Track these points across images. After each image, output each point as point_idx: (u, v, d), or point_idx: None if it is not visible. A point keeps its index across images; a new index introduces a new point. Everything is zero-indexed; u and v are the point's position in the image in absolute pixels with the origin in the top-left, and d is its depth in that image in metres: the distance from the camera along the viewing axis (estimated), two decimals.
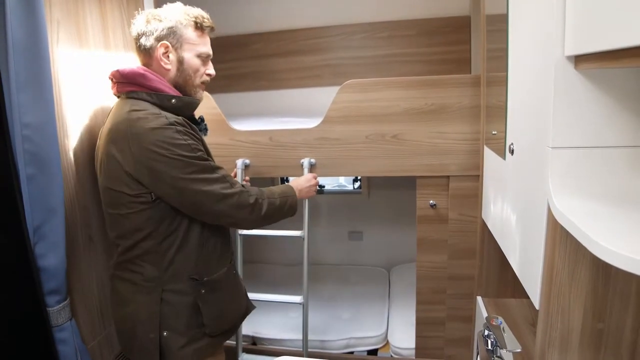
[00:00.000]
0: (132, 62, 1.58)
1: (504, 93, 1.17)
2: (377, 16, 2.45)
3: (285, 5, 2.48)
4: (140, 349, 1.19)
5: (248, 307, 1.43)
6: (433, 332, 1.89)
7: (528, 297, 0.97)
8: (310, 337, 1.93)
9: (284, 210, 1.33)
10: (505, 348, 0.92)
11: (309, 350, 1.89)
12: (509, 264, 1.16)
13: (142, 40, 1.18)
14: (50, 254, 1.20)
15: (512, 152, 1.12)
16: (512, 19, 1.10)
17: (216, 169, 1.18)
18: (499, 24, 1.22)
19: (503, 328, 0.96)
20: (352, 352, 2.14)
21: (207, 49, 1.24)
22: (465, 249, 1.76)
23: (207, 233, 1.24)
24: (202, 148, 1.18)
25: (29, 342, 1.21)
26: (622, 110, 0.77)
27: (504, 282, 1.54)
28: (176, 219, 1.17)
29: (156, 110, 1.13)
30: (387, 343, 2.14)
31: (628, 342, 0.82)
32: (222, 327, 1.29)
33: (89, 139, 1.40)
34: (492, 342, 0.99)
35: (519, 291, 1.39)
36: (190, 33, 1.20)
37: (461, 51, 2.33)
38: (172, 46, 1.19)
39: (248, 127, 1.87)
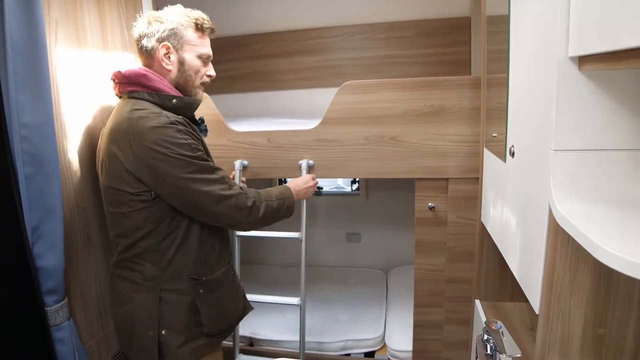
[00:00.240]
0: (130, 63, 1.59)
1: (504, 95, 1.16)
2: (377, 17, 2.43)
3: (284, 6, 2.47)
4: (139, 347, 1.20)
5: (246, 308, 1.44)
6: (431, 335, 1.88)
7: (527, 301, 0.96)
8: (307, 338, 1.93)
9: (282, 212, 1.34)
10: (505, 353, 0.92)
11: (306, 352, 1.88)
12: (507, 267, 1.16)
13: (144, 42, 1.20)
14: (48, 254, 1.20)
15: (512, 154, 1.11)
16: (513, 19, 1.10)
17: (215, 169, 1.18)
18: (500, 25, 1.22)
19: (502, 332, 0.96)
20: (349, 354, 2.14)
21: (207, 50, 1.26)
22: (464, 251, 1.76)
23: (206, 233, 1.24)
24: (202, 148, 1.19)
25: (27, 341, 1.21)
26: (625, 112, 0.76)
27: (502, 285, 1.54)
28: (176, 219, 1.18)
29: (157, 109, 1.14)
30: (385, 345, 2.14)
31: (630, 348, 0.81)
32: (220, 326, 1.30)
33: (88, 139, 1.40)
34: (491, 347, 0.98)
35: (517, 295, 1.39)
36: (190, 34, 1.22)
37: (461, 52, 2.33)
38: (173, 47, 1.20)
39: (247, 128, 1.87)
